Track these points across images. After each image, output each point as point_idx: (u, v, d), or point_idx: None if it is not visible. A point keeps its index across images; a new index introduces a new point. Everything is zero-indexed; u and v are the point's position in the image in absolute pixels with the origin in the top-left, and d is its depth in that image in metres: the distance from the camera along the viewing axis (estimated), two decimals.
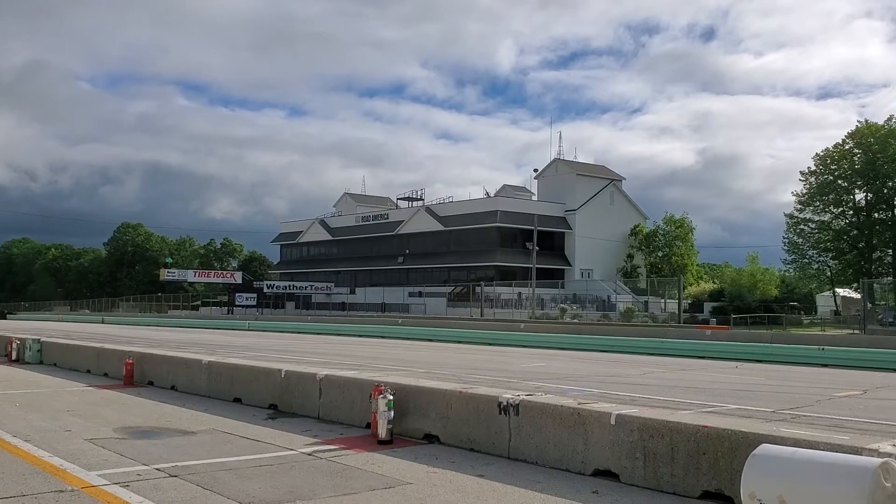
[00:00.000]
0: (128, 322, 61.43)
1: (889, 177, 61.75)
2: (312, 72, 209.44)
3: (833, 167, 65.33)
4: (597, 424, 7.14)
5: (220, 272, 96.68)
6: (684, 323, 46.29)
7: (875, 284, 58.38)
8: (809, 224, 67.11)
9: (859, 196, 65.26)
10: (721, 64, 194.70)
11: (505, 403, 7.96)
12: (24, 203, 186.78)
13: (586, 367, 19.76)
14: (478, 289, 61.78)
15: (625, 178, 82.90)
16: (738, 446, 6.04)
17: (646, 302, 63.42)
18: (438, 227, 76.75)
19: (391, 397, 8.69)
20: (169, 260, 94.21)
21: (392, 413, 8.64)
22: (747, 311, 57.24)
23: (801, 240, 67.24)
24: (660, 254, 76.32)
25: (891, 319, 46.93)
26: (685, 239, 77.16)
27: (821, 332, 41.52)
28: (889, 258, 64.44)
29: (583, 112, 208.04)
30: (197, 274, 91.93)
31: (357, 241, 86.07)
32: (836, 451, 5.31)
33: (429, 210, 79.56)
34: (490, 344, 30.57)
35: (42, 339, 20.70)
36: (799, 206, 67.05)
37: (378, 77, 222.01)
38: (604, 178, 79.36)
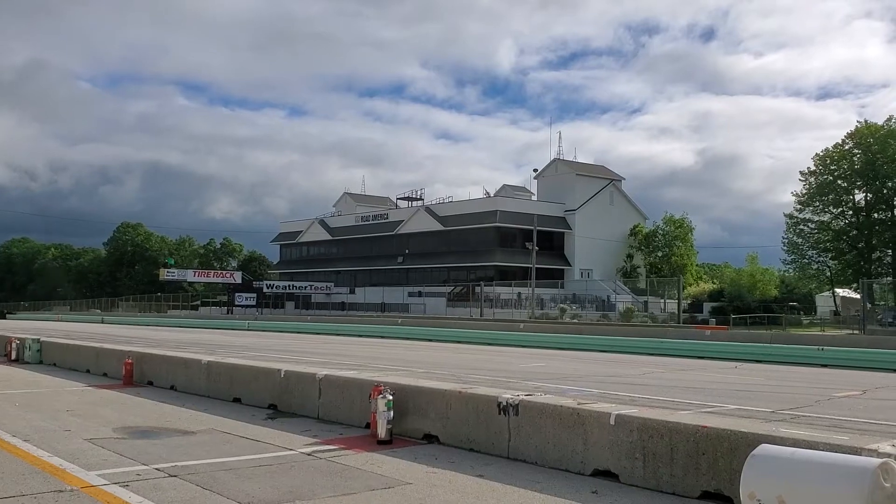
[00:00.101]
0: (127, 322, 61.41)
1: (889, 177, 61.77)
2: (312, 72, 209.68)
3: (833, 167, 65.36)
4: (596, 424, 7.14)
5: (219, 272, 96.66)
6: (684, 323, 46.30)
7: (874, 285, 58.43)
8: (809, 224, 67.14)
9: (859, 196, 65.30)
10: (721, 64, 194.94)
11: (504, 403, 7.96)
12: (23, 203, 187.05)
13: (586, 367, 19.76)
14: (477, 289, 61.78)
15: (624, 179, 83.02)
16: (738, 446, 6.04)
17: (645, 302, 63.43)
18: (438, 226, 76.75)
19: (391, 397, 8.70)
20: (170, 261, 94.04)
21: (391, 413, 8.64)
22: (747, 311, 57.26)
23: (800, 240, 67.26)
24: (659, 254, 76.33)
25: (890, 320, 46.95)
26: (685, 239, 77.17)
27: (820, 333, 41.53)
28: (888, 258, 64.46)
29: (582, 112, 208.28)
30: (196, 274, 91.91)
31: (357, 241, 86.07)
32: (836, 452, 5.32)
33: (428, 210, 79.56)
34: (489, 344, 30.57)
35: (42, 339, 20.70)
36: (798, 207, 67.11)
37: (378, 77, 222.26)
38: (603, 179, 79.37)
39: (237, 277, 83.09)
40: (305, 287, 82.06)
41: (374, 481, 6.90)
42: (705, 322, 50.98)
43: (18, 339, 20.74)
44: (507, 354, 24.48)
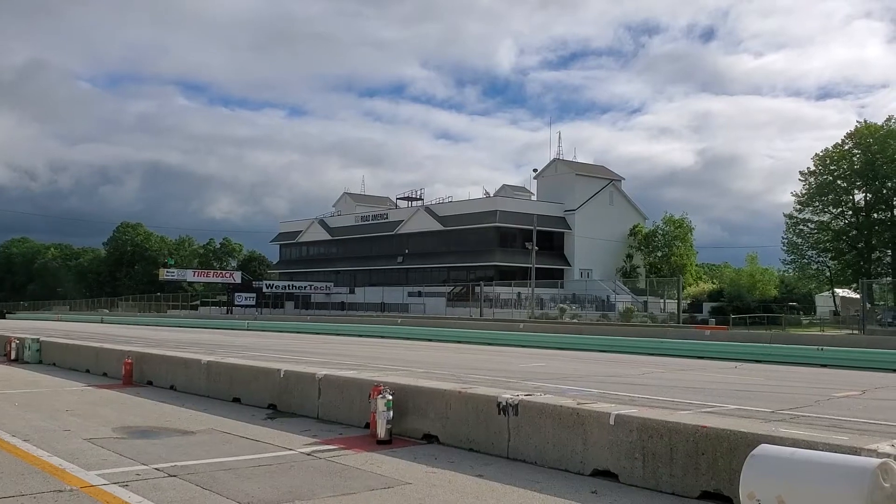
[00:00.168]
0: (127, 322, 61.41)
1: (888, 177, 61.79)
2: (312, 72, 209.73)
3: (832, 167, 65.39)
4: (596, 424, 7.14)
5: (219, 272, 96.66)
6: (683, 323, 46.30)
7: (874, 285, 58.46)
8: (809, 224, 67.16)
9: (858, 196, 65.32)
10: (721, 64, 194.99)
11: (504, 403, 7.96)
12: (23, 203, 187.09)
13: (585, 367, 19.76)
14: (477, 289, 61.79)
15: (624, 179, 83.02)
16: (737, 446, 6.04)
17: (645, 302, 63.45)
18: (438, 226, 76.75)
19: (390, 397, 8.69)
20: (169, 261, 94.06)
21: (391, 413, 8.64)
22: (746, 311, 57.28)
23: (800, 240, 67.28)
24: (659, 254, 76.33)
25: (890, 320, 46.97)
26: (684, 239, 77.17)
27: (820, 333, 41.55)
28: (888, 258, 64.48)
29: (582, 112, 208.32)
30: (196, 274, 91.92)
31: (356, 241, 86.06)
32: (835, 452, 5.32)
33: (428, 210, 79.56)
34: (489, 344, 30.57)
35: (41, 339, 20.70)
36: (798, 207, 67.14)
37: (378, 77, 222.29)
38: (603, 179, 79.37)
39: (237, 277, 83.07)
40: (305, 287, 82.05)
41: (373, 481, 6.90)
42: (705, 322, 51.00)
43: (18, 338, 20.73)
44: (507, 354, 24.48)
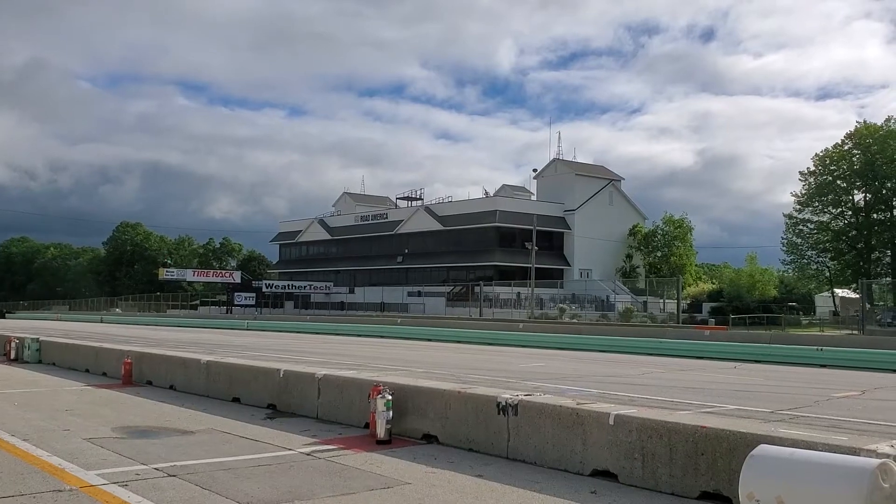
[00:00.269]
0: (126, 321, 61.40)
1: (888, 177, 61.81)
2: (312, 72, 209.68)
3: (832, 168, 65.41)
4: (595, 425, 7.14)
5: (218, 272, 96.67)
6: (683, 323, 46.27)
7: (874, 285, 58.48)
8: (808, 224, 67.20)
9: (858, 197, 65.36)
10: (720, 65, 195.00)
11: (504, 403, 7.96)
12: (23, 202, 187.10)
13: (585, 367, 19.77)
14: (477, 288, 61.81)
15: (624, 179, 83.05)
16: (737, 447, 6.04)
17: (644, 302, 63.46)
18: (438, 226, 76.75)
19: (390, 397, 8.69)
20: (168, 262, 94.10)
21: (391, 413, 8.64)
22: (746, 311, 57.30)
23: (799, 240, 67.30)
24: (659, 254, 76.36)
25: (889, 320, 46.99)
26: (684, 239, 77.20)
27: (819, 333, 41.54)
28: (888, 259, 64.51)
29: (582, 112, 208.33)
30: (196, 273, 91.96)
31: (356, 241, 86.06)
32: (835, 452, 5.32)
33: (428, 210, 79.56)
34: (489, 344, 30.57)
35: (41, 339, 20.69)
36: (798, 207, 67.17)
37: (378, 77, 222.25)
38: (603, 179, 79.38)
39: (236, 277, 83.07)
40: (305, 287, 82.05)
41: (372, 481, 6.90)
42: (704, 322, 50.99)
43: (17, 338, 20.72)
44: (507, 354, 24.48)
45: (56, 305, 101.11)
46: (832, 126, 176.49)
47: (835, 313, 62.89)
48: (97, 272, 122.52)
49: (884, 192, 63.11)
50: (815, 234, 66.67)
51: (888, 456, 5.10)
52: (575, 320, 50.65)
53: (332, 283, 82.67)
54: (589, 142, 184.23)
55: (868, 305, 47.87)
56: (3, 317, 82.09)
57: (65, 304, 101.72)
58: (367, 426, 9.13)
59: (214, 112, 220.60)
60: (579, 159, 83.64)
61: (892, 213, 63.91)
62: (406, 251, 79.38)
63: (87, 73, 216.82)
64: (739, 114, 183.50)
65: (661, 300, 62.93)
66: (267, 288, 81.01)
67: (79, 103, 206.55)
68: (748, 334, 32.88)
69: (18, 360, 19.74)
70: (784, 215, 68.79)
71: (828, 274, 66.70)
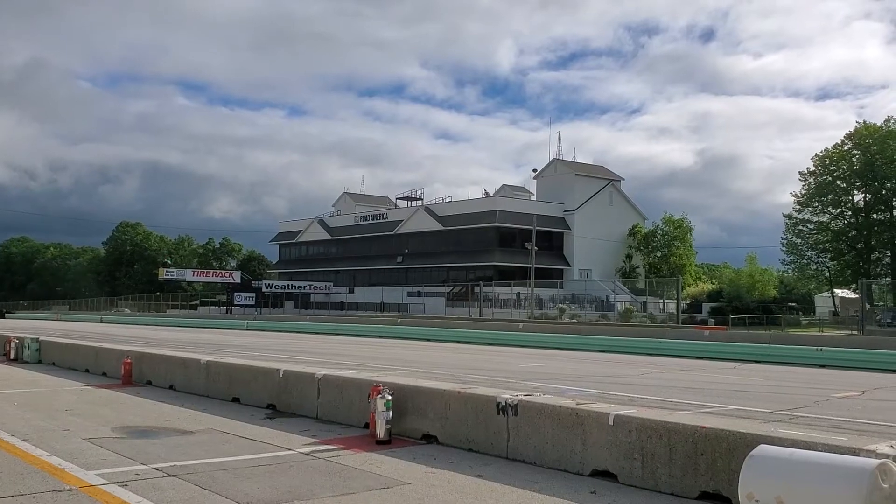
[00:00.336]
0: (126, 321, 61.39)
1: (887, 178, 61.83)
2: (312, 71, 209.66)
3: (832, 168, 65.42)
4: (595, 425, 7.14)
5: (218, 272, 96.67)
6: (682, 323, 46.26)
7: (873, 285, 58.51)
8: (808, 225, 67.21)
9: (858, 197, 65.38)
10: (720, 65, 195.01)
11: (503, 404, 7.96)
12: (23, 202, 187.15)
13: (584, 367, 19.77)
14: (476, 289, 61.81)
15: (623, 179, 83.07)
16: (736, 447, 6.04)
17: (644, 302, 63.47)
18: (437, 226, 76.75)
19: (389, 397, 8.69)
20: (166, 261, 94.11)
21: (390, 413, 8.64)
22: (746, 311, 57.29)
23: (799, 240, 67.32)
24: (658, 254, 76.38)
25: (889, 320, 47.02)
26: (684, 239, 77.22)
27: (819, 333, 41.55)
28: (887, 259, 64.53)
29: (582, 112, 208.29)
30: (195, 273, 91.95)
31: (356, 241, 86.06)
32: (834, 452, 5.32)
33: (428, 210, 79.56)
34: (489, 344, 30.57)
35: (41, 339, 20.69)
36: (798, 207, 67.19)
37: (378, 77, 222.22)
38: (602, 179, 79.40)
39: (236, 277, 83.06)
40: (304, 287, 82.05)
41: (372, 481, 6.90)
42: (704, 322, 50.98)
43: (17, 338, 20.72)
44: (506, 354, 24.48)
45: (56, 305, 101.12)
46: (832, 126, 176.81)
47: (834, 313, 62.92)
48: (97, 272, 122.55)
49: (883, 192, 63.12)
50: (815, 234, 66.69)
51: (887, 456, 5.10)
52: (574, 320, 50.65)
53: (331, 284, 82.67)
54: (589, 142, 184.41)
55: (868, 306, 47.87)
56: (3, 317, 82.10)
57: (65, 304, 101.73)
58: (366, 426, 9.13)
59: (214, 112, 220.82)
60: (579, 159, 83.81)
61: (891, 213, 63.92)
62: (406, 251, 79.38)
63: (87, 72, 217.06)
64: (739, 114, 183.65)
65: (661, 300, 62.95)
66: (266, 288, 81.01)
67: (79, 103, 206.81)
68: (748, 334, 32.87)
69: (18, 360, 19.74)
70: (784, 215, 68.92)
71: (827, 274, 66.72)
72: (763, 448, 5.27)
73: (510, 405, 7.89)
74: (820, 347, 22.89)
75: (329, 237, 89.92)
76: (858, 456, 5.23)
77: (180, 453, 8.05)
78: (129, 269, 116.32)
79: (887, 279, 62.56)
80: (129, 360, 15.01)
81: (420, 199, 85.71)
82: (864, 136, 63.75)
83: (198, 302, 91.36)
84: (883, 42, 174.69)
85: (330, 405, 10.27)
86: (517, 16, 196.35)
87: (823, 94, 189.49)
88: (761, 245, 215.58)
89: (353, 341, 32.80)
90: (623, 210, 78.98)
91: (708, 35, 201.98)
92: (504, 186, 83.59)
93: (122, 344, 20.19)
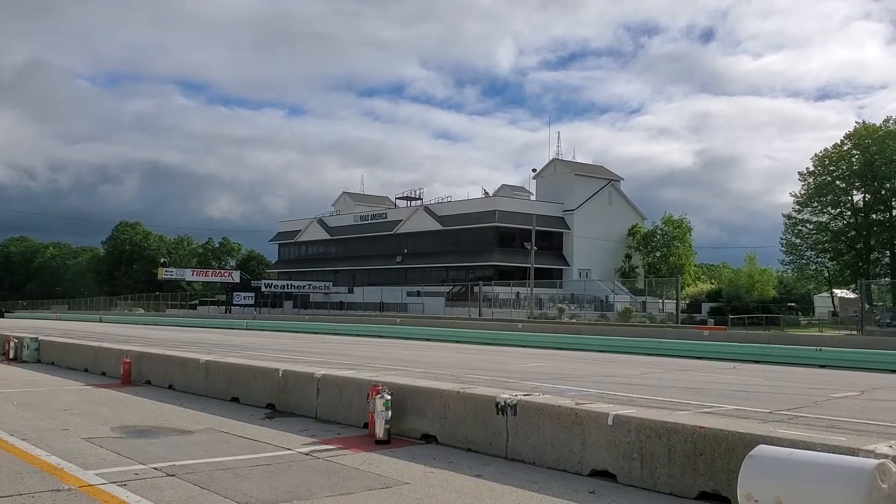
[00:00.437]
0: (126, 321, 61.36)
1: (887, 178, 61.84)
2: (312, 71, 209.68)
3: (831, 168, 65.41)
4: (594, 425, 7.14)
5: (218, 271, 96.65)
6: (682, 323, 46.26)
7: (873, 285, 58.51)
8: (807, 225, 67.20)
9: (857, 197, 65.38)
10: (720, 65, 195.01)
11: (503, 403, 7.96)
12: (22, 202, 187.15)
13: (584, 367, 19.77)
14: (476, 288, 61.80)
15: (623, 179, 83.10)
16: (735, 447, 6.04)
17: (644, 302, 63.46)
18: (437, 226, 76.75)
19: (389, 397, 8.69)
20: (163, 260, 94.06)
21: (390, 413, 8.64)
22: (745, 311, 57.27)
23: (799, 240, 67.32)
24: (658, 254, 76.38)
25: (888, 320, 47.04)
26: (683, 239, 77.23)
27: (818, 333, 41.57)
28: (887, 259, 64.53)
29: (581, 112, 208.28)
30: (195, 273, 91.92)
31: (355, 241, 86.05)
32: (833, 453, 5.32)
33: (427, 210, 79.55)
34: (488, 344, 30.57)
35: (40, 338, 20.68)
36: (797, 207, 67.18)
37: (377, 77, 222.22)
38: (602, 179, 79.41)
39: (235, 277, 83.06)
40: (304, 286, 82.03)
41: (371, 481, 6.90)
42: (703, 322, 50.98)
43: (17, 337, 20.72)
44: (506, 354, 24.49)
45: (55, 305, 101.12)
46: (831, 126, 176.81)
47: (834, 314, 62.92)
48: (96, 272, 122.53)
49: (883, 192, 63.12)
50: (815, 234, 66.69)
51: (886, 456, 5.10)
52: (574, 320, 50.65)
53: (331, 283, 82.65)
54: (588, 142, 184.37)
55: (867, 306, 47.85)
56: (3, 316, 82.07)
57: (64, 304, 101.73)
58: (366, 426, 9.13)
59: (214, 112, 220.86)
60: (578, 159, 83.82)
61: (891, 213, 63.93)
62: (405, 251, 79.37)
63: (86, 72, 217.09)
64: (739, 114, 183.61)
65: (660, 300, 62.94)
66: (266, 288, 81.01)
67: (78, 103, 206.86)
68: (747, 334, 32.89)
69: (17, 360, 19.73)
70: (783, 216, 68.92)
71: (827, 274, 66.73)
72: (762, 448, 5.28)
73: (509, 405, 7.89)
74: (819, 347, 22.90)
75: (328, 237, 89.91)
76: (857, 456, 5.23)
77: (179, 453, 8.05)
78: (128, 269, 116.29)
79: (886, 279, 62.56)
80: (128, 360, 15.01)
81: (419, 198, 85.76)
82: (864, 137, 63.75)
83: (197, 301, 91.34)
84: (882, 42, 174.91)
85: (329, 405, 10.27)
86: (517, 16, 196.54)
87: (823, 95, 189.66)
88: (761, 245, 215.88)
89: (353, 341, 32.79)
90: (622, 210, 78.99)
91: (707, 35, 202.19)
92: (503, 186, 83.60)
93: (121, 343, 20.19)
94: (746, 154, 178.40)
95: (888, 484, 4.68)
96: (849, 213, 65.37)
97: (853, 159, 64.51)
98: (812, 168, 66.36)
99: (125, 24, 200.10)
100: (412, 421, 8.91)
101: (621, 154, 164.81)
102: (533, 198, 79.67)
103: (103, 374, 16.23)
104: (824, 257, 66.73)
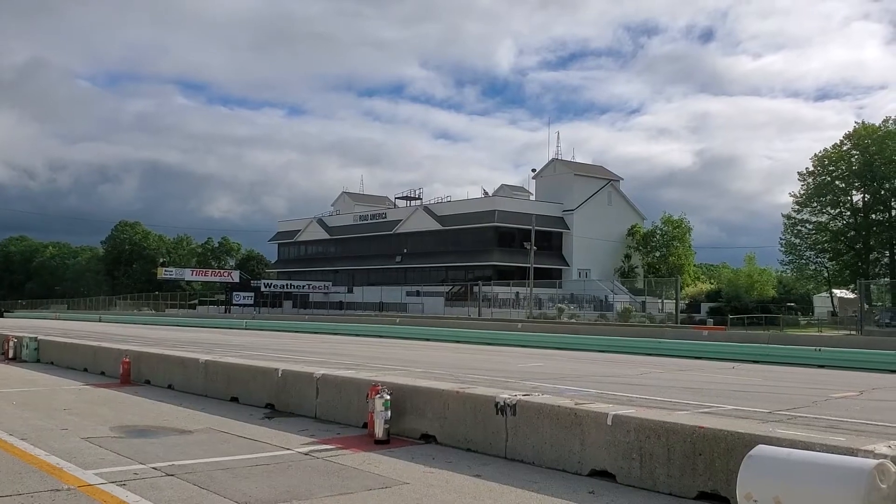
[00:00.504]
0: (125, 321, 61.36)
1: (886, 178, 61.88)
2: (312, 71, 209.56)
3: (830, 168, 65.44)
4: (593, 425, 7.14)
5: (217, 271, 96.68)
6: (681, 323, 46.25)
7: (872, 285, 58.48)
8: (807, 225, 67.23)
9: (856, 197, 65.42)
10: (719, 65, 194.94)
11: (502, 403, 7.96)
12: (22, 201, 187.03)
13: (583, 367, 19.77)
14: (475, 288, 61.80)
15: (623, 179, 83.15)
16: (735, 447, 6.04)
17: (643, 302, 63.46)
18: (436, 226, 76.76)
19: (388, 397, 8.69)
20: (163, 260, 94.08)
21: (389, 413, 8.64)
22: (744, 311, 57.28)
23: (798, 241, 67.35)
24: (657, 254, 76.42)
25: (887, 320, 47.04)
26: (683, 239, 77.27)
27: (818, 333, 41.56)
28: (886, 259, 64.57)
29: (581, 113, 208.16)
30: (194, 273, 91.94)
31: (355, 241, 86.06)
32: (832, 453, 5.32)
33: (427, 209, 79.55)
34: (488, 344, 30.57)
35: (39, 338, 20.68)
36: (796, 207, 67.22)
37: (377, 77, 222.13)
38: (602, 179, 79.43)
39: (235, 276, 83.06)
40: (303, 286, 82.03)
41: (371, 481, 6.90)
42: (703, 322, 50.97)
43: (16, 337, 20.72)
44: (505, 354, 24.49)
45: (55, 304, 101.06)
46: (831, 127, 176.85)
47: (833, 314, 62.95)
48: (96, 271, 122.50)
49: (882, 192, 63.15)
50: (814, 234, 66.72)
51: (885, 456, 5.10)
52: (573, 320, 50.66)
53: (330, 283, 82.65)
54: (588, 142, 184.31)
55: (866, 306, 47.87)
56: (2, 316, 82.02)
57: (63, 304, 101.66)
58: (365, 426, 9.13)
59: (214, 111, 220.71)
60: (578, 159, 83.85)
61: (890, 213, 63.96)
62: (405, 251, 79.38)
63: (86, 72, 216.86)
64: (738, 114, 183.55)
65: (660, 300, 62.94)
66: (265, 287, 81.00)
67: (78, 102, 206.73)
68: (746, 334, 32.89)
69: (17, 360, 19.73)
70: (783, 216, 68.96)
71: (826, 274, 66.76)
72: (761, 448, 5.28)
73: (509, 405, 7.89)
74: (818, 348, 22.90)
75: (328, 237, 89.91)
76: (856, 456, 5.23)
77: (179, 453, 8.05)
78: (127, 269, 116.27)
79: (886, 279, 62.57)
80: (127, 360, 15.01)
81: (419, 198, 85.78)
82: (863, 137, 63.78)
83: (196, 301, 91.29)
84: (882, 43, 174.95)
85: (328, 405, 10.27)
86: (517, 16, 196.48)
87: (822, 95, 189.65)
88: (760, 245, 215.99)
89: (352, 341, 32.79)
90: (622, 210, 79.02)
91: (707, 35, 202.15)
92: (503, 186, 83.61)
93: (120, 343, 20.19)
94: (746, 154, 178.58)
95: (887, 484, 4.69)
96: (848, 213, 65.40)
97: (852, 159, 64.54)
98: (811, 168, 66.42)
99: (125, 24, 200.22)
100: (411, 421, 8.91)
101: (621, 154, 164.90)
102: (532, 198, 79.69)
103: (102, 373, 16.23)
104: (824, 257, 66.77)
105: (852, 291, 62.66)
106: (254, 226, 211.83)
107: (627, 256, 76.05)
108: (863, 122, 66.21)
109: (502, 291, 61.78)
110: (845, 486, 4.67)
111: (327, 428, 9.61)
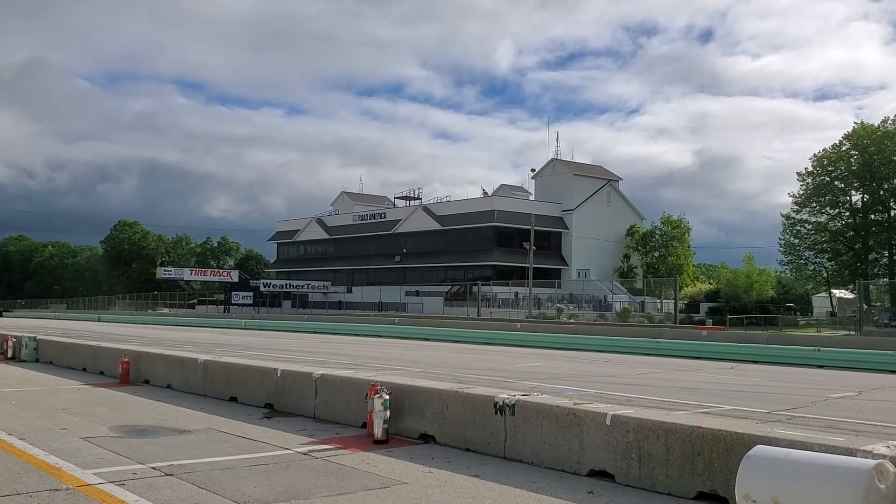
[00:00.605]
0: (124, 320, 61.32)
1: (885, 178, 61.87)
2: (311, 71, 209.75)
3: (829, 168, 65.41)
4: (592, 425, 7.15)
5: (216, 271, 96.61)
6: (680, 323, 46.29)
7: (871, 286, 58.48)
8: (806, 225, 67.23)
9: (856, 197, 65.38)
10: (718, 65, 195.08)
11: (501, 403, 7.96)
12: (21, 201, 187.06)
13: (582, 367, 19.78)
14: (475, 288, 61.81)
15: (622, 179, 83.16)
16: (733, 447, 6.05)
17: (642, 302, 63.47)
18: (436, 226, 76.75)
19: (387, 397, 8.69)
20: (162, 259, 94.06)
21: (388, 413, 8.64)
22: (743, 311, 57.30)
23: (797, 241, 67.33)
24: (656, 254, 76.41)
25: (886, 321, 47.07)
26: (682, 239, 77.27)
27: (817, 333, 41.59)
28: (885, 259, 64.56)
29: (580, 113, 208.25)
30: (193, 272, 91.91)
31: (354, 240, 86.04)
32: (831, 453, 5.33)
33: (426, 209, 79.55)
34: (487, 343, 30.58)
35: (38, 337, 20.67)
36: (795, 208, 67.18)
37: (376, 76, 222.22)
38: (601, 179, 79.44)
39: (234, 276, 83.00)
40: (302, 286, 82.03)
41: (370, 481, 6.90)
42: (702, 322, 50.98)
43: (15, 336, 20.71)
44: (504, 354, 24.49)
45: (54, 304, 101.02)
46: (830, 127, 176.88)
47: (832, 314, 62.97)
48: (95, 271, 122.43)
49: (881, 192, 63.15)
50: (813, 234, 66.72)
51: (884, 457, 5.11)
52: (572, 320, 50.65)
53: (329, 283, 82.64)
54: (587, 142, 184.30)
55: (865, 306, 47.91)
56: (1, 315, 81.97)
57: (62, 303, 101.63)
58: (364, 426, 9.13)
59: (213, 111, 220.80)
60: (577, 159, 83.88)
61: (889, 213, 63.96)
62: (404, 251, 79.38)
63: (85, 71, 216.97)
64: (737, 115, 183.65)
65: (659, 300, 62.95)
66: (264, 287, 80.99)
67: (77, 102, 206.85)
68: (745, 335, 32.91)
69: (16, 359, 19.72)
70: (782, 216, 68.91)
71: (825, 275, 66.75)
72: (760, 448, 5.28)
73: (508, 405, 7.90)
74: (817, 348, 22.91)
75: (327, 236, 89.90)
76: (855, 456, 5.23)
77: (178, 452, 8.05)
78: (126, 268, 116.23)
79: (885, 280, 62.58)
80: (126, 360, 15.00)
81: (418, 198, 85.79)
82: (862, 137, 63.76)
83: (195, 301, 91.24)
84: (881, 43, 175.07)
85: (327, 405, 10.27)
86: (516, 16, 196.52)
87: (821, 95, 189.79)
88: (759, 245, 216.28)
89: (351, 341, 32.79)
90: (621, 210, 79.03)
91: (706, 36, 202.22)
92: (502, 186, 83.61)
93: (119, 343, 20.18)
94: (745, 154, 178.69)
95: (886, 484, 4.69)
96: (847, 213, 65.40)
97: (851, 160, 64.52)
98: (810, 168, 66.39)
99: (124, 24, 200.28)
100: (410, 421, 8.91)
101: (620, 154, 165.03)
102: (532, 198, 79.70)
103: (102, 373, 16.23)
104: (823, 258, 66.76)
105: (851, 292, 62.66)
106: (253, 225, 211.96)
107: (626, 256, 76.08)
108: (862, 123, 66.23)
109: (501, 291, 61.79)
110: (844, 486, 4.67)
111: (326, 428, 9.61)
